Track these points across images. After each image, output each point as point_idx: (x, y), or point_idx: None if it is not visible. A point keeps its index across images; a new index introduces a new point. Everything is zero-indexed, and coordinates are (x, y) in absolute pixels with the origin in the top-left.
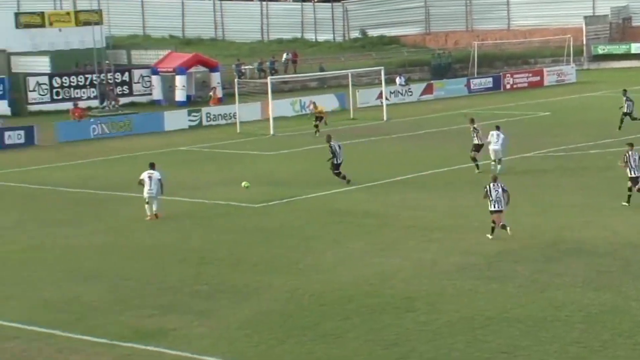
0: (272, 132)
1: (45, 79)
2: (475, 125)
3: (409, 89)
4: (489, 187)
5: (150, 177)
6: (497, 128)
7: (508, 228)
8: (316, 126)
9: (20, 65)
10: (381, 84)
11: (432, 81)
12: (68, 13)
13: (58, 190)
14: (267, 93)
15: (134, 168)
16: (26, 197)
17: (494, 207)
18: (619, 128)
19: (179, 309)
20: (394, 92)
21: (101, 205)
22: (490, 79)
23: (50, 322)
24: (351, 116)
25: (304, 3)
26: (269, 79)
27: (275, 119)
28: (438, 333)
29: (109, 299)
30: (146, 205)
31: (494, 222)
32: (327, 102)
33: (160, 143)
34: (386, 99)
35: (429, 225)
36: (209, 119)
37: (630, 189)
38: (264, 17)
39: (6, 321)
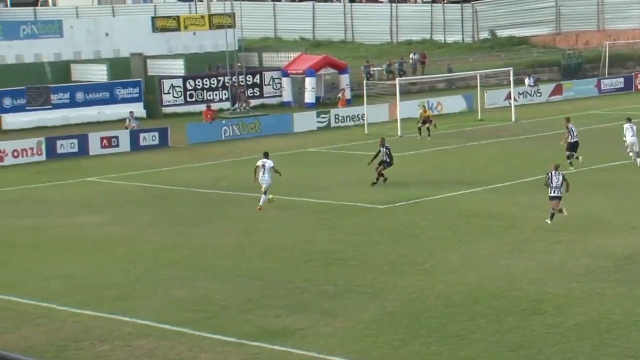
0: (399, 133)
1: (179, 82)
2: (569, 124)
3: (538, 89)
4: (551, 174)
5: (264, 165)
6: (629, 120)
7: (564, 209)
8: (426, 129)
9: (155, 68)
10: (510, 84)
11: (561, 82)
12: (202, 17)
13: (190, 191)
14: (395, 94)
15: None
16: (159, 197)
17: (554, 193)
18: None
19: (306, 308)
20: (523, 93)
21: (231, 205)
22: (622, 79)
23: (180, 321)
24: (479, 117)
25: (433, 4)
26: (397, 80)
27: (402, 120)
28: (565, 336)
29: (238, 298)
30: (263, 196)
31: (553, 208)
32: (454, 103)
33: (289, 144)
34: (514, 99)
35: (557, 226)
36: (337, 121)
37: None
38: (394, 18)
39: (139, 319)
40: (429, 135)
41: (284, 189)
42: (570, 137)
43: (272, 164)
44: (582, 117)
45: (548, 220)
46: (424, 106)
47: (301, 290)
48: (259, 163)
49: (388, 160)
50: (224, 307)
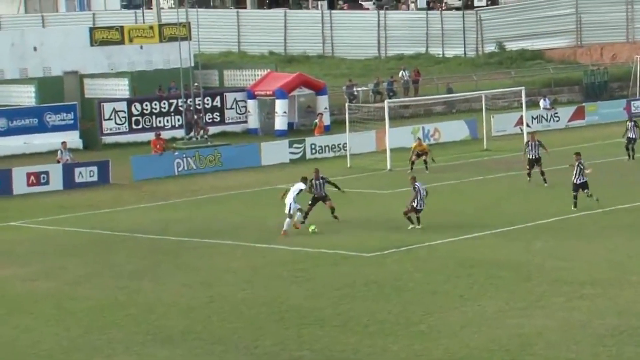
0: (389, 166)
1: (123, 105)
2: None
3: (555, 113)
4: (418, 185)
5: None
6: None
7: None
8: (422, 162)
9: (94, 89)
10: (521, 107)
11: (583, 104)
12: (151, 27)
13: (135, 237)
14: (383, 119)
15: (225, 210)
16: (98, 244)
17: (420, 206)
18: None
19: None
20: (537, 117)
21: (185, 254)
22: None
23: None
24: (484, 147)
25: (429, 12)
26: (386, 103)
27: (392, 150)
28: None
29: None
30: (288, 220)
31: (416, 216)
32: (455, 129)
33: (256, 180)
34: (527, 125)
35: (579, 278)
36: (314, 151)
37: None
38: (382, 29)
39: None
40: (426, 168)
41: (250, 234)
42: (529, 153)
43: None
44: (608, 146)
45: (417, 226)
46: (418, 138)
47: (271, 356)
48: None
49: (324, 193)
50: None
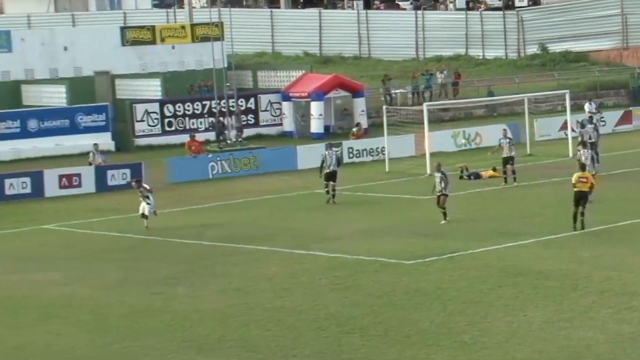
0: (428, 171)
1: (155, 107)
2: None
3: (602, 117)
4: (325, 154)
5: None
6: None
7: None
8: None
9: (126, 90)
10: (566, 111)
11: (630, 108)
12: (183, 27)
13: (169, 242)
14: (422, 123)
15: (261, 214)
16: (131, 249)
17: (330, 168)
18: None
19: None
20: (582, 121)
21: (221, 260)
22: None
23: None
24: (527, 152)
25: (469, 12)
26: (425, 106)
27: (432, 154)
28: None
29: None
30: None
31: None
32: (497, 134)
33: (292, 184)
34: (572, 130)
35: (628, 289)
36: (351, 155)
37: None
38: (420, 29)
39: None
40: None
41: (287, 239)
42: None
43: None
44: None
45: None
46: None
47: None
48: None
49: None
50: None
